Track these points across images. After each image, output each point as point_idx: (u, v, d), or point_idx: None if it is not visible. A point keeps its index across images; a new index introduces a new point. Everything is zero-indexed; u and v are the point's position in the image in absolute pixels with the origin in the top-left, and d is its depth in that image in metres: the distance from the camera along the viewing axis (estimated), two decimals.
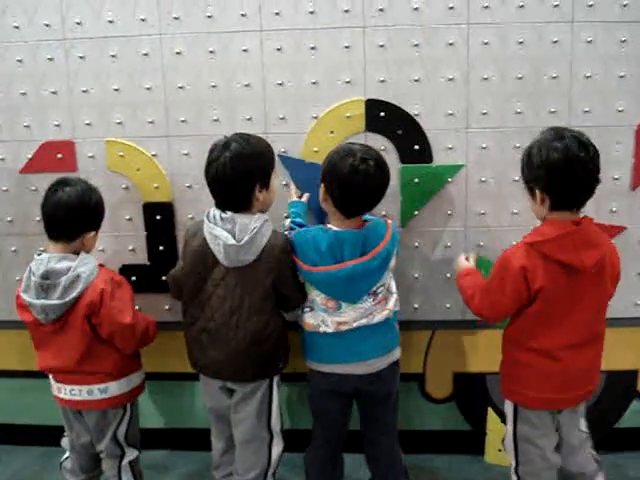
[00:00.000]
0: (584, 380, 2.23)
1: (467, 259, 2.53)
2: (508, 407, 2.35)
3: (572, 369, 2.18)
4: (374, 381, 2.37)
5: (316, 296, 2.34)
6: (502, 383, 2.34)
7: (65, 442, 2.59)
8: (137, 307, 2.51)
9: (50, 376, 2.47)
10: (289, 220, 2.50)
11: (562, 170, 2.05)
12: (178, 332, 2.53)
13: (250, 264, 2.28)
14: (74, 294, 2.28)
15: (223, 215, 2.27)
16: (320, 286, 2.32)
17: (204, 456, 2.80)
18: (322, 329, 2.33)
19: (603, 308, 2.23)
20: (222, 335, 2.34)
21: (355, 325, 2.30)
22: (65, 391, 2.42)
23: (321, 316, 2.33)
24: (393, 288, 2.38)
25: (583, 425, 2.39)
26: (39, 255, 2.35)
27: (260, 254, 2.28)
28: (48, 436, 2.90)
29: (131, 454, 2.55)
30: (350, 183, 2.20)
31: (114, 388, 2.43)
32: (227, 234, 2.24)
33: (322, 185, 2.30)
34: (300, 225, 2.47)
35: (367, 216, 2.36)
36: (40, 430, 3.08)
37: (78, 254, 2.35)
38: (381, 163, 2.25)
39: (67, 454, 2.59)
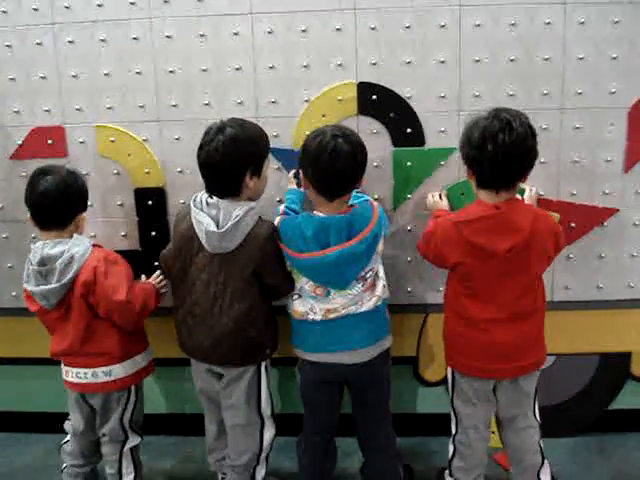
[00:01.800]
0: (516, 354, 2.27)
1: (440, 197, 2.58)
2: (448, 373, 2.44)
3: (502, 342, 2.24)
4: (363, 370, 2.37)
5: (304, 283, 2.33)
6: (444, 349, 2.43)
7: (68, 425, 2.60)
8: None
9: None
10: (284, 205, 2.49)
11: (477, 147, 2.11)
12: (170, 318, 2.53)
13: (233, 251, 2.28)
14: (70, 275, 2.29)
15: (209, 200, 2.27)
16: (307, 273, 2.31)
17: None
18: (310, 317, 2.33)
19: (531, 287, 2.26)
20: (206, 320, 2.35)
21: (343, 312, 2.30)
22: (72, 374, 2.44)
23: (310, 304, 2.33)
24: (381, 273, 2.38)
25: (532, 412, 2.41)
26: (34, 244, 2.35)
27: (243, 241, 2.27)
28: (31, 422, 2.97)
29: (134, 440, 2.57)
30: (319, 161, 2.20)
31: (118, 370, 2.43)
32: (210, 220, 2.24)
33: (301, 171, 2.30)
34: (294, 212, 2.46)
35: (356, 196, 2.35)
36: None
37: (71, 237, 2.37)
38: (353, 141, 2.23)
39: (68, 437, 2.60)
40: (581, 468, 2.78)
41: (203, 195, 2.30)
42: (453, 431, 2.44)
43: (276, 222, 2.37)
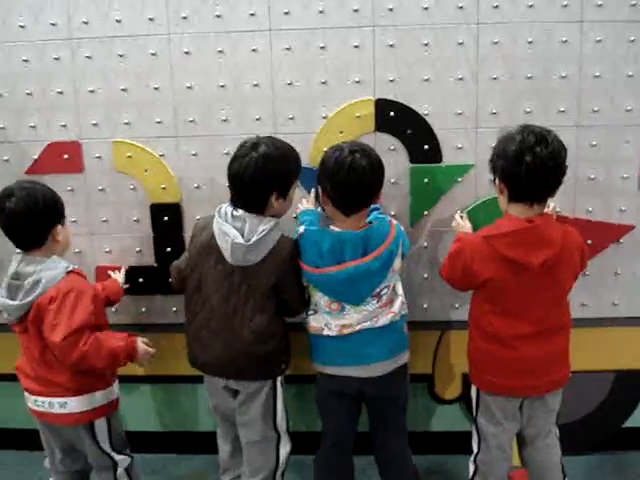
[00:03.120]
0: (544, 370, 2.26)
1: (461, 217, 2.58)
2: (473, 392, 2.41)
3: (531, 358, 2.23)
4: (379, 384, 2.36)
5: (320, 299, 2.33)
6: (469, 368, 2.41)
7: (46, 462, 2.49)
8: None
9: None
10: (303, 227, 2.40)
11: (514, 159, 2.11)
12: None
13: (255, 264, 2.28)
14: (31, 298, 2.19)
15: (235, 213, 2.26)
16: (322, 288, 2.31)
17: (207, 459, 2.81)
18: (325, 332, 2.32)
19: (560, 303, 2.27)
20: (224, 333, 2.33)
21: (358, 328, 2.29)
22: (31, 401, 2.33)
23: (325, 319, 2.33)
24: (399, 290, 2.37)
25: (555, 429, 2.41)
26: (17, 255, 2.28)
27: (266, 256, 2.27)
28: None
29: (124, 461, 2.45)
30: (337, 177, 2.20)
31: (73, 405, 2.28)
32: (236, 232, 2.24)
33: (320, 187, 2.30)
34: None
35: (374, 216, 2.35)
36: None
37: (52, 252, 2.27)
38: (371, 156, 2.24)
39: (51, 478, 2.50)
40: None
41: (228, 207, 2.29)
42: (475, 450, 2.42)
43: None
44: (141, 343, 2.35)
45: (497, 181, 2.22)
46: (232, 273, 2.30)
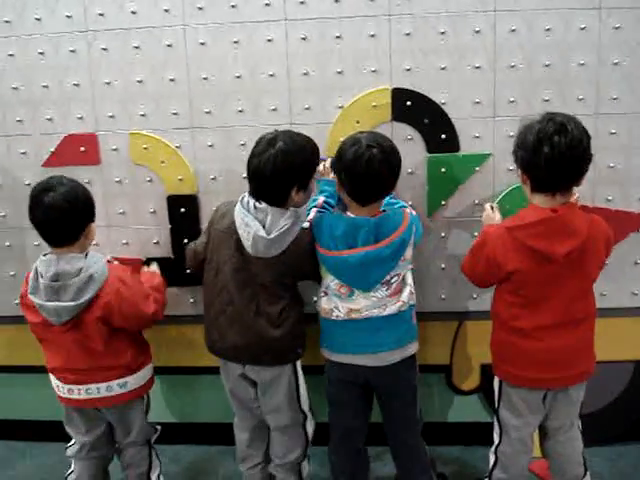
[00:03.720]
0: (570, 361, 2.24)
1: (492, 208, 2.51)
2: (496, 384, 2.39)
3: (555, 349, 2.20)
4: (386, 374, 2.35)
5: (330, 282, 2.33)
6: (492, 360, 2.39)
7: (72, 450, 2.52)
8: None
9: (53, 377, 2.41)
10: (322, 197, 2.45)
11: (533, 151, 2.08)
12: (200, 325, 2.52)
13: (274, 256, 2.28)
14: (88, 296, 2.23)
15: (257, 205, 2.26)
16: (333, 271, 2.31)
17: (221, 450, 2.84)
18: (335, 314, 2.32)
19: (585, 292, 2.24)
20: (242, 319, 2.35)
21: (366, 314, 2.29)
22: (80, 391, 2.36)
23: (334, 302, 2.33)
24: (409, 280, 2.35)
25: (578, 421, 2.40)
26: (45, 256, 2.28)
27: (285, 249, 2.28)
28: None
29: (157, 432, 2.60)
30: (354, 170, 2.20)
31: (133, 382, 2.41)
32: (258, 224, 2.24)
33: (335, 175, 2.30)
34: (331, 206, 2.45)
35: (388, 201, 2.35)
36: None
37: (83, 248, 2.31)
38: (388, 150, 2.22)
39: (72, 467, 2.53)
40: (617, 478, 2.75)
41: (251, 198, 2.29)
42: (496, 441, 2.40)
43: (312, 214, 2.38)
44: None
45: (519, 171, 2.20)
46: (250, 263, 2.31)
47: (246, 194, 2.31)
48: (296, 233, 2.28)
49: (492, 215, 2.47)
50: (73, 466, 2.53)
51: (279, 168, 2.19)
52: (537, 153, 2.06)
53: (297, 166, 2.24)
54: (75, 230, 2.27)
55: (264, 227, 2.24)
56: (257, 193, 2.27)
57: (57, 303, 2.22)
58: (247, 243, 2.27)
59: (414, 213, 2.38)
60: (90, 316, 2.26)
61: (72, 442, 2.53)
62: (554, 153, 2.04)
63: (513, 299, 2.22)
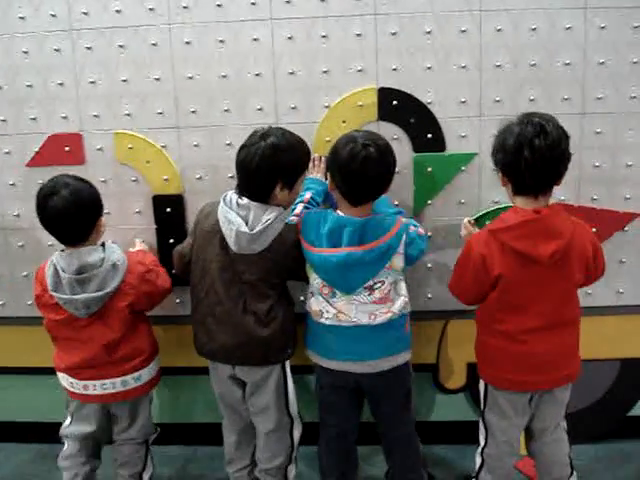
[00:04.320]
0: (555, 364, 2.24)
1: (470, 223, 2.52)
2: (481, 387, 2.40)
3: (540, 352, 2.20)
4: (377, 380, 2.35)
5: (314, 280, 2.33)
6: (477, 363, 2.39)
7: (68, 431, 2.52)
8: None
9: (65, 375, 2.42)
10: (309, 194, 2.44)
11: (513, 154, 2.08)
12: (188, 326, 2.51)
13: (259, 253, 2.28)
14: (115, 284, 2.30)
15: (240, 201, 2.26)
16: (316, 269, 2.30)
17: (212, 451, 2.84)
18: (324, 316, 2.31)
19: (570, 296, 2.24)
20: (230, 319, 2.34)
21: (355, 321, 2.27)
22: (95, 387, 2.39)
23: (322, 303, 2.32)
24: (402, 290, 2.34)
25: (564, 422, 2.41)
26: (63, 251, 2.31)
27: (269, 245, 2.27)
28: (45, 433, 2.91)
29: (155, 432, 2.62)
30: (349, 169, 2.18)
31: (146, 375, 2.46)
32: (241, 220, 2.24)
33: (329, 173, 2.29)
34: (317, 203, 2.45)
35: (388, 209, 2.35)
36: (38, 427, 3.06)
37: (97, 241, 2.37)
38: (383, 149, 2.21)
39: (67, 445, 2.53)
40: (602, 475, 2.76)
41: (233, 195, 2.29)
42: (482, 443, 2.41)
43: (298, 209, 2.37)
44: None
45: (500, 174, 2.20)
46: (235, 261, 2.30)
47: (229, 192, 2.31)
48: (280, 229, 2.28)
49: (471, 229, 2.48)
50: (66, 445, 2.54)
51: (266, 161, 2.20)
52: (518, 156, 2.07)
53: (284, 162, 2.24)
54: (85, 229, 2.31)
55: (247, 223, 2.23)
56: (242, 185, 2.27)
57: (85, 295, 2.26)
58: (230, 240, 2.26)
59: (420, 231, 2.36)
60: (116, 304, 2.32)
61: (67, 423, 2.53)
62: (535, 156, 2.04)
63: (498, 303, 2.22)
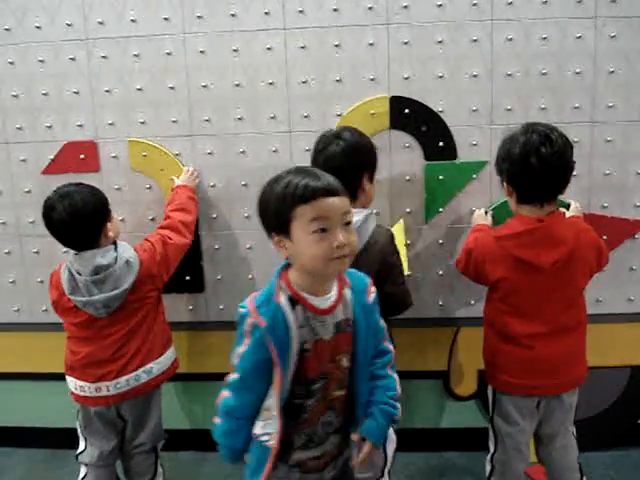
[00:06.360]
0: (561, 368, 2.24)
1: (486, 213, 2.54)
2: (489, 392, 2.40)
3: (546, 357, 2.21)
4: None
5: None
6: (485, 367, 2.40)
7: (85, 456, 2.49)
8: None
9: (74, 380, 2.42)
10: None
11: (520, 163, 2.10)
12: (200, 332, 2.53)
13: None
14: (131, 279, 2.32)
15: None
16: None
17: None
18: None
19: (574, 301, 2.25)
20: None
21: None
22: (109, 388, 2.38)
23: None
24: None
25: (572, 428, 2.40)
26: (76, 255, 2.33)
27: (363, 248, 2.16)
28: (57, 439, 2.94)
29: (164, 439, 2.60)
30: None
31: (157, 367, 2.44)
32: None
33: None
34: None
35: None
36: (51, 433, 3.08)
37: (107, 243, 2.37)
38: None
39: (84, 473, 2.50)
40: None
41: None
42: (492, 450, 2.41)
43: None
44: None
45: (504, 184, 2.22)
46: None
47: None
48: (372, 229, 2.19)
49: (483, 215, 2.52)
50: (84, 472, 2.50)
51: (351, 156, 2.17)
52: (524, 165, 2.09)
53: (367, 154, 2.24)
54: (91, 237, 2.32)
55: None
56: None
57: (103, 295, 2.29)
58: None
59: None
60: (135, 296, 2.36)
61: (82, 448, 2.50)
62: (542, 164, 2.06)
63: (503, 307, 2.24)
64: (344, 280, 1.75)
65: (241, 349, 1.68)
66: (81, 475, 2.50)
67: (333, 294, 1.72)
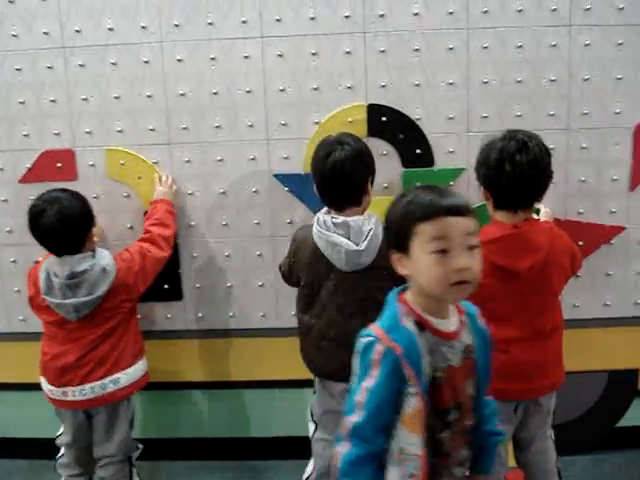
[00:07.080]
0: (537, 373, 2.25)
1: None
2: None
3: (522, 361, 2.21)
4: None
5: None
6: None
7: (62, 440, 2.54)
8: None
9: (46, 383, 2.44)
10: None
11: (495, 169, 2.12)
12: (178, 340, 2.52)
13: (367, 266, 2.23)
14: (105, 287, 2.34)
15: (335, 220, 2.21)
16: None
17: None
18: None
19: (550, 306, 2.27)
20: (347, 339, 2.11)
21: None
22: (74, 393, 2.39)
23: None
24: None
25: (550, 431, 2.41)
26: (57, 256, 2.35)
27: (376, 255, 2.21)
28: (38, 449, 2.91)
29: (138, 450, 2.58)
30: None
31: (125, 378, 2.44)
32: (347, 240, 2.18)
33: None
34: None
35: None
36: (31, 443, 3.05)
37: (90, 248, 2.40)
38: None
39: (62, 451, 2.56)
40: None
41: (325, 216, 2.23)
42: None
43: None
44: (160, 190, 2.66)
45: (482, 188, 2.24)
46: (345, 280, 2.25)
47: (319, 214, 2.26)
48: (382, 234, 2.19)
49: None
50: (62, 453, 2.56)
51: (358, 161, 2.21)
52: (499, 171, 2.11)
53: (369, 159, 2.28)
54: (76, 242, 2.35)
55: (349, 239, 2.19)
56: (335, 194, 2.24)
57: (76, 299, 2.31)
58: (340, 262, 2.21)
59: None
60: (108, 306, 2.38)
61: (60, 431, 2.55)
62: (515, 171, 2.08)
63: (480, 312, 2.24)
64: (458, 305, 1.70)
65: (368, 383, 1.54)
66: (61, 456, 2.56)
67: (454, 318, 1.65)
